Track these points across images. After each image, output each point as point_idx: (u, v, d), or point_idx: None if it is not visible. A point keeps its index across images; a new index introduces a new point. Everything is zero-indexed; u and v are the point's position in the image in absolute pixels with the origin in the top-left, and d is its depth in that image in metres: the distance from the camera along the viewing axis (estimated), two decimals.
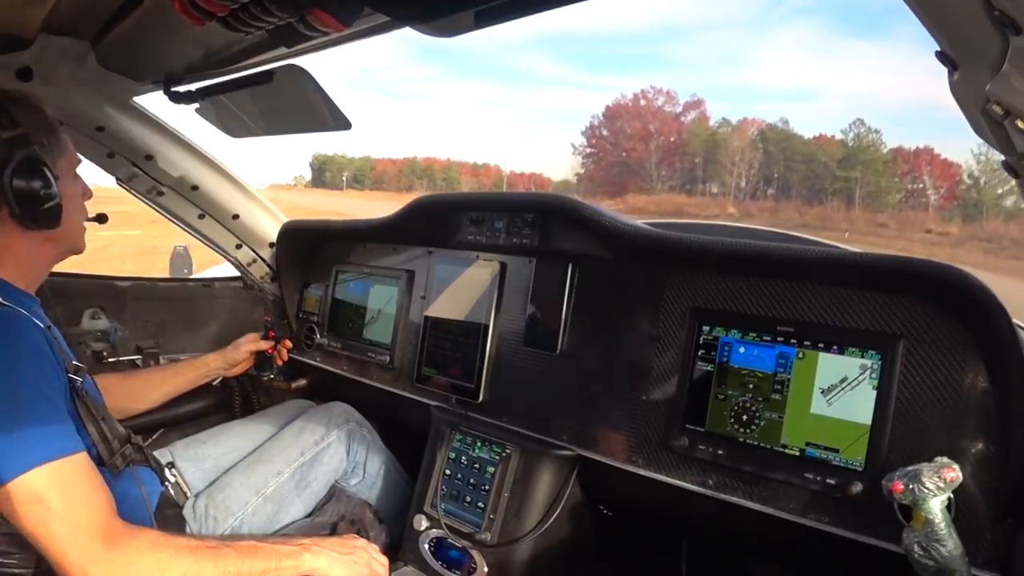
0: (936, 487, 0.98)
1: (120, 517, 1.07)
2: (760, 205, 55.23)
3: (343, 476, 1.79)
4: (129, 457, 1.28)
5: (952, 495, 1.01)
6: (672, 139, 62.87)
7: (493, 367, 1.73)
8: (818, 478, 1.20)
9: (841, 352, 1.23)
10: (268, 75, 1.49)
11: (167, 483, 1.51)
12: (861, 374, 1.20)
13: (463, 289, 1.81)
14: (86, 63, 1.58)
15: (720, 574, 1.74)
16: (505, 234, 1.72)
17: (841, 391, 1.22)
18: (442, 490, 1.68)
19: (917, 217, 49.23)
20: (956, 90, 0.71)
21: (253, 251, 2.31)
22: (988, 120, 0.69)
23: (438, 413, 1.80)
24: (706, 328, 1.39)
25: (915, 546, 1.00)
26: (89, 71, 1.61)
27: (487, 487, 1.61)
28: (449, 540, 1.62)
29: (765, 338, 1.31)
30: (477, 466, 1.65)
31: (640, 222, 1.56)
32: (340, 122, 1.61)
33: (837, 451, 1.20)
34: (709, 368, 1.37)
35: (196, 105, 1.71)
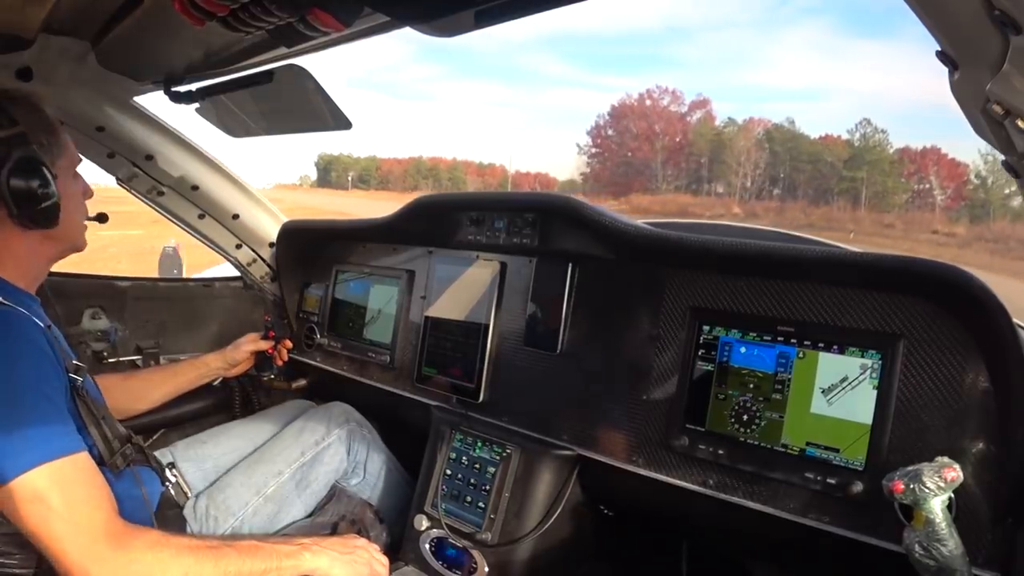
0: (937, 487, 0.98)
1: (121, 517, 1.07)
2: (765, 205, 55.11)
3: (343, 476, 1.79)
4: (130, 457, 1.28)
5: (953, 495, 1.01)
6: (677, 139, 62.88)
7: (493, 367, 1.73)
8: (818, 478, 1.20)
9: (841, 352, 1.23)
10: (268, 75, 1.49)
11: (167, 483, 1.51)
12: (861, 374, 1.20)
13: (463, 289, 1.81)
14: (86, 63, 1.58)
15: (720, 574, 1.74)
16: (505, 234, 1.72)
17: (841, 391, 1.22)
18: (442, 490, 1.68)
19: (923, 218, 48.95)
20: (956, 90, 0.71)
21: (253, 251, 2.31)
22: (988, 120, 0.69)
23: (438, 413, 1.80)
24: (706, 328, 1.39)
25: (916, 546, 1.00)
26: (89, 71, 1.61)
27: (487, 487, 1.61)
28: (450, 540, 1.62)
29: (765, 338, 1.31)
30: (477, 466, 1.65)
31: (640, 222, 1.55)
32: (340, 122, 1.61)
33: (837, 451, 1.20)
34: (709, 368, 1.37)
35: (196, 105, 1.71)
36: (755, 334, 1.33)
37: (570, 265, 1.61)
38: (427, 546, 1.66)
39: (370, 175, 79.92)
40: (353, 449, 1.81)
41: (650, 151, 62.03)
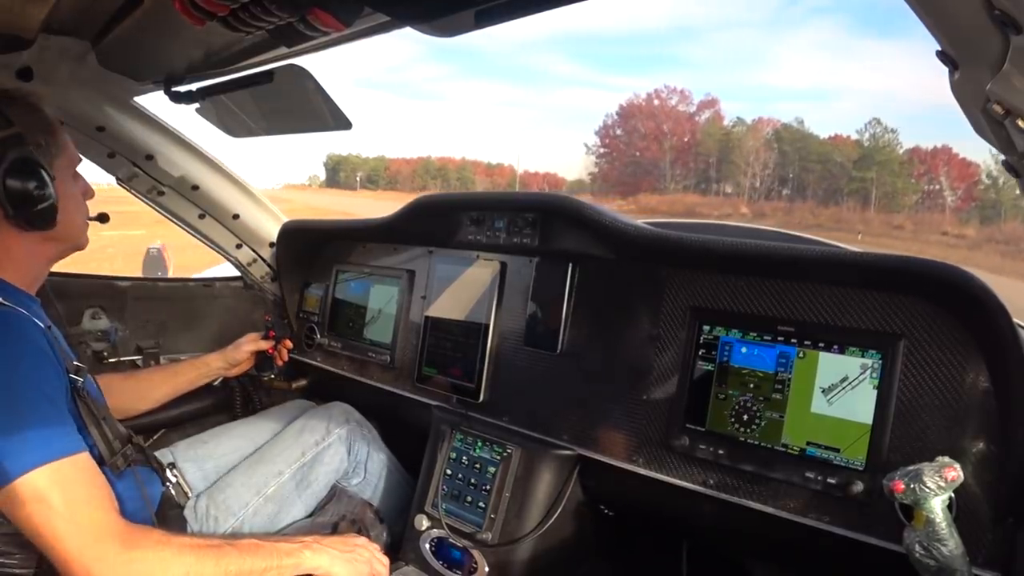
0: (937, 486, 0.98)
1: (122, 517, 1.07)
2: (774, 205, 54.92)
3: (344, 476, 1.79)
4: (130, 457, 1.28)
5: (953, 495, 1.01)
6: (686, 139, 62.83)
7: (493, 367, 1.73)
8: (819, 477, 1.20)
9: (842, 352, 1.23)
10: (268, 75, 1.49)
11: (168, 483, 1.51)
12: (862, 373, 1.20)
13: (464, 289, 1.81)
14: (86, 63, 1.58)
15: (721, 574, 1.74)
16: (505, 234, 1.72)
17: (842, 391, 1.22)
18: (443, 490, 1.68)
19: (933, 219, 48.63)
20: (956, 90, 0.71)
21: (253, 251, 2.31)
22: (989, 119, 0.69)
23: (439, 413, 1.80)
24: (706, 328, 1.39)
25: (916, 545, 1.00)
26: (89, 71, 1.61)
27: (488, 487, 1.61)
28: (450, 540, 1.62)
29: (766, 338, 1.31)
30: (478, 466, 1.65)
31: (640, 222, 1.55)
32: (340, 122, 1.61)
33: (838, 450, 1.20)
34: (709, 368, 1.37)
35: (196, 105, 1.71)
36: (755, 334, 1.33)
37: (570, 265, 1.61)
38: (427, 546, 1.66)
39: (379, 175, 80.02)
40: (353, 449, 1.81)
41: (658, 151, 62.00)
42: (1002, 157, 0.74)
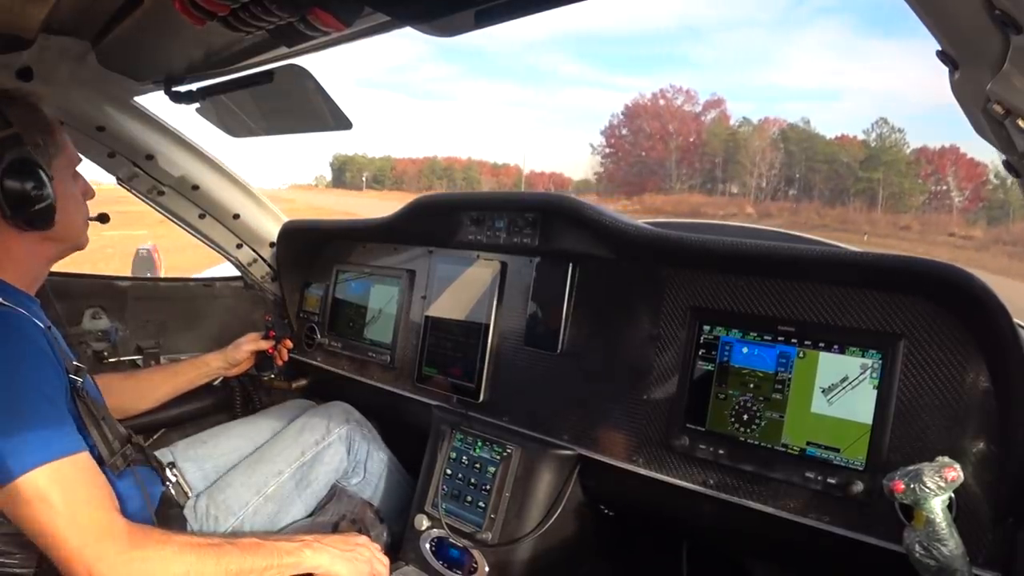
0: (937, 486, 0.98)
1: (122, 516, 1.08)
2: (779, 206, 54.65)
3: (344, 476, 1.79)
4: (130, 457, 1.28)
5: (953, 495, 1.01)
6: (691, 139, 62.65)
7: (494, 367, 1.73)
8: (819, 477, 1.20)
9: (842, 352, 1.23)
10: (269, 75, 1.49)
11: (168, 483, 1.51)
12: (862, 373, 1.20)
13: (464, 289, 1.81)
14: (86, 63, 1.58)
15: (721, 574, 1.74)
16: (506, 234, 1.72)
17: (842, 390, 1.22)
18: (443, 490, 1.68)
19: (940, 220, 48.17)
20: (957, 90, 0.71)
21: (253, 251, 2.31)
22: (989, 119, 0.69)
23: (439, 413, 1.80)
24: (707, 327, 1.39)
25: (916, 545, 1.00)
26: (90, 71, 1.61)
27: (488, 487, 1.61)
28: (450, 540, 1.62)
29: (766, 337, 1.31)
30: (478, 466, 1.65)
31: (641, 222, 1.55)
32: (341, 122, 1.61)
33: (838, 450, 1.20)
34: (710, 367, 1.37)
35: (197, 105, 1.71)
36: (755, 334, 1.33)
37: (570, 265, 1.61)
38: (427, 546, 1.66)
39: (384, 175, 79.84)
40: (353, 449, 1.81)
41: (664, 151, 61.88)
42: (1003, 157, 0.74)
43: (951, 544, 0.98)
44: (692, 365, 1.39)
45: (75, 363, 1.21)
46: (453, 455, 1.70)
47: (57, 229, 1.23)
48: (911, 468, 1.01)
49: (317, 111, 1.58)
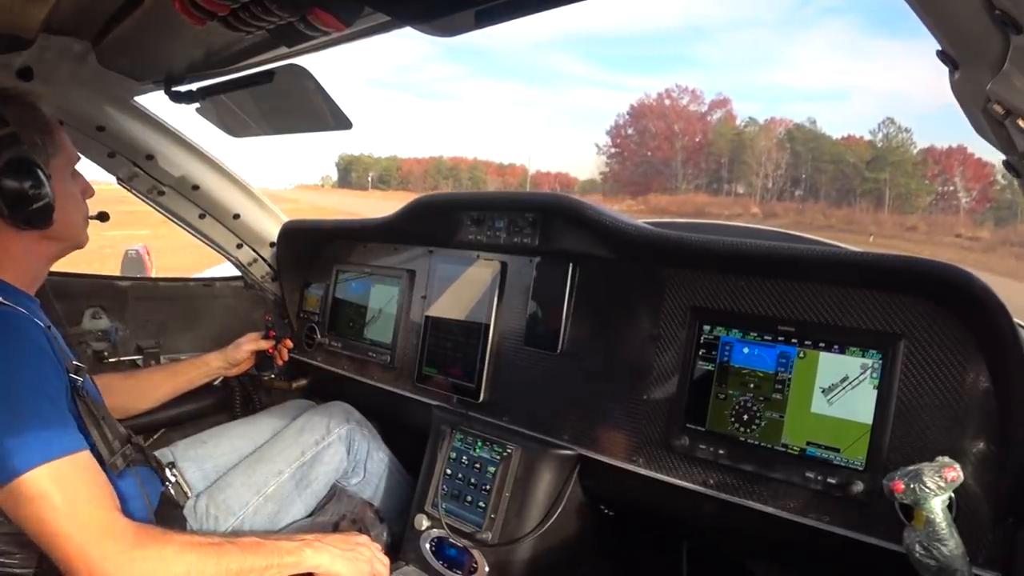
0: (937, 486, 0.98)
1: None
2: (785, 206, 54.34)
3: (344, 476, 1.79)
4: (129, 457, 1.27)
5: (953, 495, 1.01)
6: (697, 139, 62.49)
7: (494, 367, 1.73)
8: (819, 477, 1.20)
9: (842, 352, 1.23)
10: (269, 75, 1.49)
11: (168, 483, 1.51)
12: (862, 373, 1.20)
13: (464, 289, 1.81)
14: (87, 63, 1.58)
15: (721, 574, 1.74)
16: (506, 234, 1.72)
17: (842, 390, 1.22)
18: (443, 490, 1.68)
19: (947, 221, 47.66)
20: (957, 89, 0.71)
21: (254, 251, 2.31)
22: (989, 119, 0.69)
23: (439, 413, 1.80)
24: (707, 327, 1.39)
25: (916, 545, 1.00)
26: (90, 71, 1.61)
27: (488, 487, 1.61)
28: (450, 540, 1.62)
29: (766, 338, 1.31)
30: (478, 466, 1.65)
31: (641, 222, 1.55)
32: (341, 122, 1.61)
33: (838, 450, 1.20)
34: (710, 367, 1.37)
35: (197, 105, 1.71)
36: (756, 334, 1.33)
37: (571, 265, 1.61)
38: (427, 546, 1.66)
39: (390, 175, 79.70)
40: (353, 448, 1.81)
41: (670, 151, 61.71)
42: (1003, 157, 0.74)
43: (951, 544, 0.98)
44: (692, 365, 1.39)
45: (75, 363, 1.21)
46: (453, 455, 1.70)
47: (56, 228, 1.23)
48: (911, 468, 1.01)
49: (317, 111, 1.58)
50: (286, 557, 1.18)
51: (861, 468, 1.17)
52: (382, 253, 2.11)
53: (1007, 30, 0.58)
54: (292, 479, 1.69)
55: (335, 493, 1.76)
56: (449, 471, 1.69)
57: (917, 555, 1.00)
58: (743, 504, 1.29)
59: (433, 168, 79.58)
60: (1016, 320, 1.04)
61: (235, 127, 1.84)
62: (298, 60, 1.44)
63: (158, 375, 1.82)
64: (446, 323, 1.84)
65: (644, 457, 1.44)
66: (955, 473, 0.99)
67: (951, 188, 52.88)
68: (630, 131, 65.79)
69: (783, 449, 1.26)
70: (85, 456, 1.07)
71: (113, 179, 2.02)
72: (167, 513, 1.44)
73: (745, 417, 1.32)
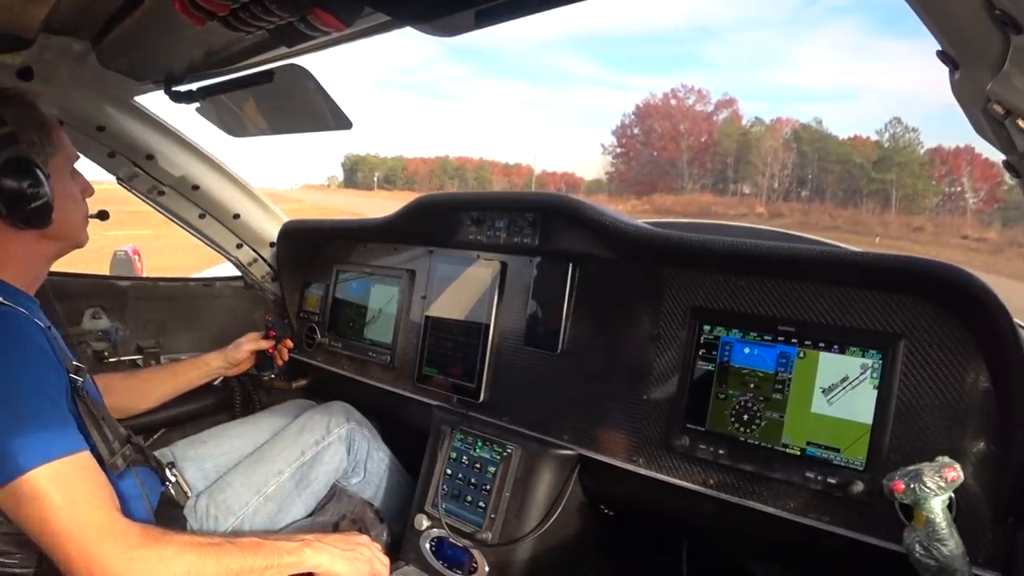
0: (937, 486, 0.98)
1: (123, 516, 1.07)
2: (791, 206, 53.98)
3: (344, 475, 1.79)
4: (129, 458, 1.27)
5: (953, 495, 1.01)
6: (703, 139, 62.19)
7: (494, 367, 1.73)
8: (819, 477, 1.20)
9: (842, 352, 1.23)
10: (269, 75, 1.49)
11: (168, 483, 1.51)
12: (862, 373, 1.20)
13: (464, 289, 1.81)
14: (87, 63, 1.58)
15: (721, 574, 1.74)
16: (506, 234, 1.72)
17: (842, 390, 1.22)
18: (443, 490, 1.68)
19: (954, 222, 47.12)
20: (957, 90, 0.71)
21: (254, 251, 2.31)
22: (989, 119, 0.69)
23: (439, 413, 1.80)
24: (707, 327, 1.39)
25: (916, 545, 1.00)
26: (90, 71, 1.61)
27: (488, 487, 1.61)
28: (450, 540, 1.62)
29: (766, 338, 1.31)
30: (478, 466, 1.65)
31: (641, 222, 1.55)
32: (341, 121, 1.61)
33: (838, 450, 1.20)
34: (710, 367, 1.37)
35: (197, 105, 1.71)
36: (756, 334, 1.33)
37: (571, 265, 1.61)
38: (427, 546, 1.66)
39: (396, 175, 79.42)
40: (353, 448, 1.81)
41: (675, 151, 61.45)
42: (1003, 157, 0.74)
43: (951, 544, 0.98)
44: (692, 365, 1.39)
45: (75, 363, 1.21)
46: (453, 455, 1.70)
47: (55, 227, 1.22)
48: (911, 468, 1.01)
49: (317, 111, 1.58)
50: (286, 557, 1.18)
51: (861, 468, 1.17)
52: (382, 253, 2.11)
53: (1007, 30, 0.58)
54: (292, 479, 1.69)
55: (335, 493, 1.76)
56: (449, 471, 1.69)
57: (917, 555, 1.00)
58: (743, 504, 1.29)
59: (439, 168, 79.35)
60: (1016, 320, 1.04)
61: (235, 127, 1.84)
62: (298, 60, 1.44)
63: (158, 375, 1.82)
64: (446, 323, 1.84)
65: (644, 457, 1.44)
66: (955, 473, 0.99)
67: (958, 189, 52.35)
68: (636, 131, 65.77)
69: (783, 449, 1.26)
70: (85, 456, 1.07)
71: (115, 179, 2.02)
72: (167, 513, 1.44)
73: (745, 417, 1.32)
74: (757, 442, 1.29)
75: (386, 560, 1.36)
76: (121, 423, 1.35)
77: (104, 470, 1.14)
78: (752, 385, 1.32)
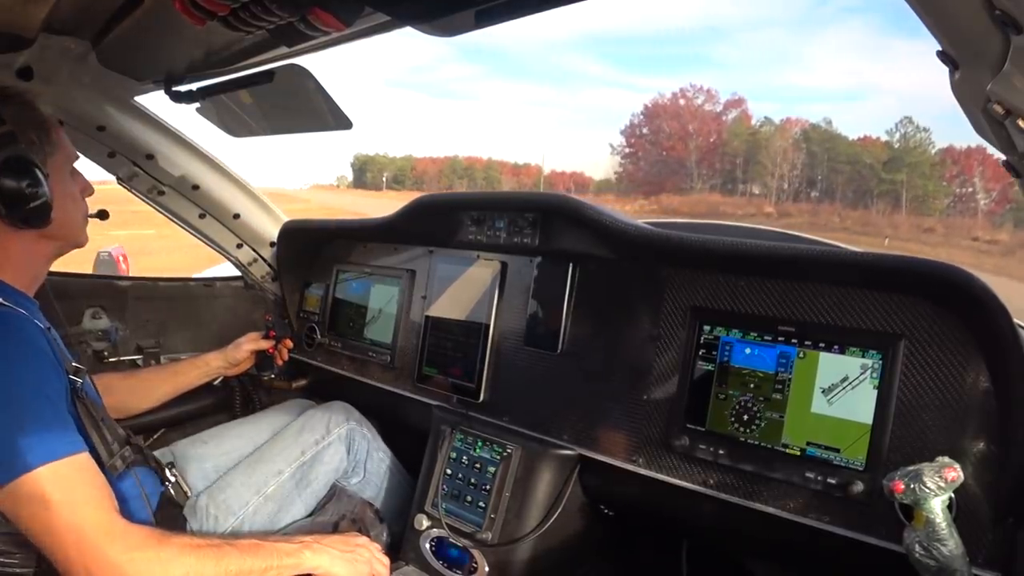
0: (937, 487, 0.98)
1: (122, 517, 1.07)
2: (799, 207, 53.48)
3: (344, 475, 1.79)
4: (129, 459, 1.27)
5: (953, 495, 1.01)
6: (712, 139, 61.71)
7: (494, 367, 1.73)
8: (819, 478, 1.20)
9: (842, 352, 1.23)
10: (269, 75, 1.49)
11: (168, 483, 1.51)
12: (862, 374, 1.20)
13: (464, 289, 1.81)
14: (87, 63, 1.58)
15: (721, 574, 1.74)
16: (506, 234, 1.72)
17: (842, 391, 1.22)
18: (443, 490, 1.68)
19: (965, 223, 46.36)
20: (957, 90, 0.71)
21: (254, 251, 2.31)
22: (989, 120, 0.69)
23: (439, 413, 1.80)
24: (707, 328, 1.39)
25: (916, 546, 1.00)
26: (90, 70, 1.61)
27: (488, 487, 1.61)
28: (450, 540, 1.62)
29: (766, 338, 1.31)
30: (478, 466, 1.65)
31: (641, 222, 1.55)
32: (341, 121, 1.61)
33: (838, 451, 1.20)
34: (710, 368, 1.37)
35: (197, 104, 1.71)
36: (756, 334, 1.33)
37: (571, 265, 1.61)
38: (427, 546, 1.66)
39: (405, 175, 78.91)
40: (353, 448, 1.81)
41: (684, 151, 61.00)
42: (1003, 157, 0.74)
43: (951, 544, 0.98)
44: (692, 365, 1.39)
45: (75, 364, 1.21)
46: (453, 455, 1.70)
47: (54, 227, 1.22)
48: (911, 468, 1.01)
49: (317, 111, 1.59)
50: (285, 559, 1.18)
51: (861, 468, 1.17)
52: (382, 253, 2.11)
53: (1007, 30, 0.58)
54: (292, 479, 1.68)
55: (335, 493, 1.76)
56: (449, 471, 1.69)
57: (917, 555, 1.00)
58: (743, 504, 1.29)
59: (448, 168, 78.83)
60: (1016, 320, 1.04)
61: (235, 127, 1.84)
62: (298, 60, 1.44)
63: (158, 375, 1.82)
64: (446, 323, 1.84)
65: (644, 457, 1.44)
66: (955, 473, 0.99)
67: (969, 190, 51.40)
68: (645, 131, 65.29)
69: (783, 449, 1.26)
70: (84, 458, 1.07)
71: (115, 179, 2.02)
72: (167, 513, 1.45)
73: (745, 417, 1.32)
74: (757, 442, 1.29)
75: (386, 561, 1.36)
76: (121, 423, 1.35)
77: (103, 471, 1.14)
78: (752, 385, 1.32)
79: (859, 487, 1.15)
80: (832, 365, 1.23)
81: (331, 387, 2.14)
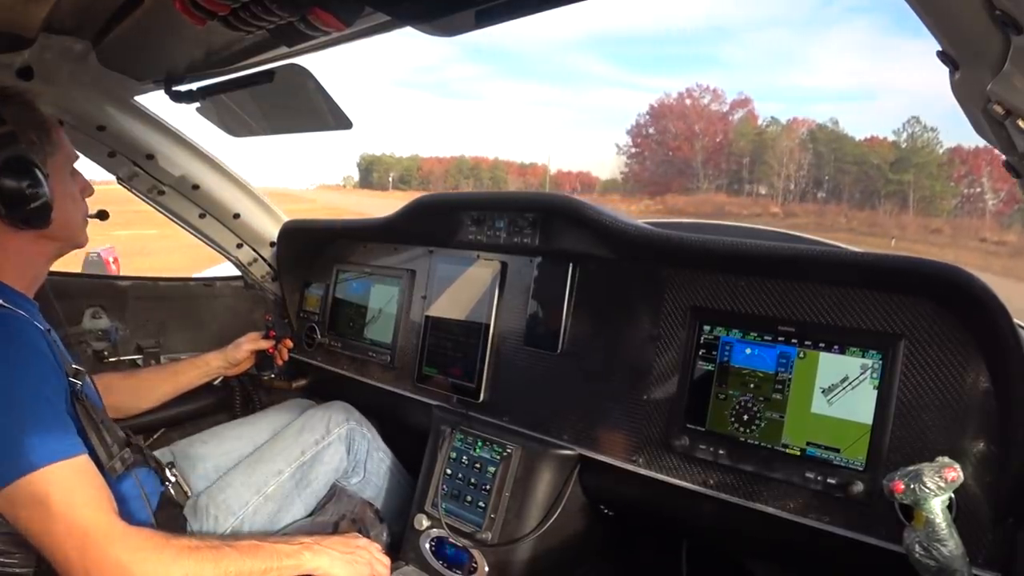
0: (937, 487, 0.98)
1: (121, 518, 1.07)
2: (806, 207, 53.10)
3: (344, 475, 1.79)
4: (128, 461, 1.27)
5: (953, 495, 1.01)
6: (718, 139, 61.33)
7: (494, 367, 1.73)
8: (819, 478, 1.20)
9: (842, 352, 1.23)
10: (269, 74, 1.49)
11: (168, 483, 1.51)
12: (862, 374, 1.20)
13: (464, 289, 1.81)
14: (87, 62, 1.58)
15: (721, 574, 1.74)
16: (506, 234, 1.72)
17: (842, 391, 1.22)
18: (443, 490, 1.68)
19: (973, 224, 45.67)
20: (957, 90, 0.71)
21: (254, 250, 2.32)
22: (989, 120, 0.69)
23: (439, 413, 1.80)
24: (707, 328, 1.39)
25: (916, 546, 1.00)
26: (90, 70, 1.61)
27: (488, 487, 1.61)
28: (450, 540, 1.62)
29: (766, 338, 1.31)
30: (478, 466, 1.65)
31: (642, 222, 1.55)
32: (341, 121, 1.61)
33: (838, 451, 1.20)
34: (710, 368, 1.37)
35: (197, 104, 1.71)
36: (756, 334, 1.33)
37: (571, 265, 1.61)
38: (427, 546, 1.66)
39: (411, 175, 78.61)
40: (353, 448, 1.81)
41: (690, 151, 60.64)
42: (1003, 157, 0.74)
43: (951, 544, 0.98)
44: (692, 365, 1.39)
45: (74, 366, 1.21)
46: (453, 455, 1.70)
47: (54, 227, 1.22)
48: (911, 468, 1.01)
49: (317, 111, 1.59)
50: (285, 560, 1.18)
51: (861, 468, 1.17)
52: (382, 253, 2.11)
53: (1007, 30, 0.58)
54: (292, 479, 1.68)
55: (335, 493, 1.76)
56: (449, 471, 1.69)
57: (917, 555, 1.00)
58: (743, 504, 1.29)
59: (454, 168, 78.42)
60: (1016, 320, 1.04)
61: (235, 127, 1.84)
62: (299, 60, 1.44)
63: (158, 375, 1.82)
64: (446, 323, 1.84)
65: (644, 457, 1.44)
66: (955, 473, 0.99)
67: (977, 190, 50.36)
68: (651, 131, 65.00)
69: (783, 449, 1.26)
70: (83, 460, 1.07)
71: (115, 179, 2.02)
72: (167, 513, 1.45)
73: (745, 417, 1.32)
74: (757, 442, 1.29)
75: (386, 561, 1.36)
76: (121, 423, 1.35)
77: (103, 473, 1.14)
78: (752, 385, 1.32)
79: (859, 487, 1.15)
80: (832, 365, 1.23)
81: (331, 387, 2.14)
